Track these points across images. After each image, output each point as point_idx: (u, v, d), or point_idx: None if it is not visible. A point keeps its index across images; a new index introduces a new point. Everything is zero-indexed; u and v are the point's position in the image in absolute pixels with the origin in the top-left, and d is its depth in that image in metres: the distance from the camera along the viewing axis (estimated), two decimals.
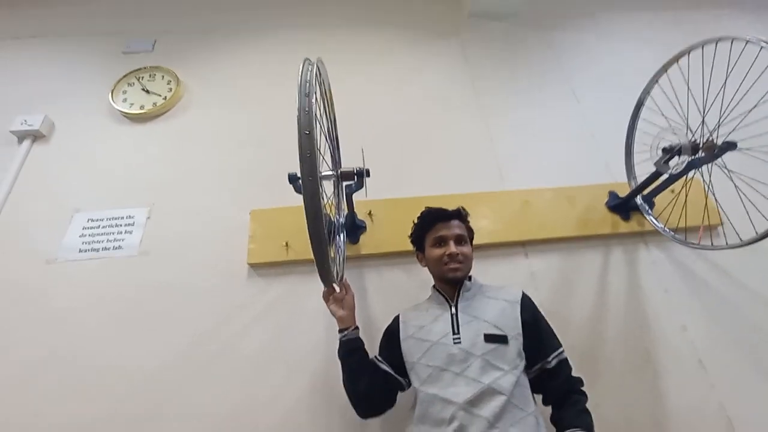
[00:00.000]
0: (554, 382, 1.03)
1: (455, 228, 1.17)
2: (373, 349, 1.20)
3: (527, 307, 1.11)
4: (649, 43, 2.22)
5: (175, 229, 1.65)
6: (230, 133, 1.91)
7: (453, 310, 1.11)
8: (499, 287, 1.18)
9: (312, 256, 0.94)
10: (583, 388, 1.05)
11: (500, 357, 1.00)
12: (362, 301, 1.46)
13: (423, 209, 1.26)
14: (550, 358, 1.05)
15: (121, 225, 1.66)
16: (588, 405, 1.04)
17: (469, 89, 2.05)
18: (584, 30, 2.33)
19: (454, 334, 1.05)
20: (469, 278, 1.19)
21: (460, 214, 1.21)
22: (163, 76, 2.07)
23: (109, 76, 2.05)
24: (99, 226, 1.66)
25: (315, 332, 1.42)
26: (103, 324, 1.46)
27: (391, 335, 1.17)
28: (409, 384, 1.11)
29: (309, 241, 0.90)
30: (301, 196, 0.88)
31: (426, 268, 1.24)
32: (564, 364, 1.06)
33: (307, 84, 0.91)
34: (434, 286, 1.22)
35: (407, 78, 2.10)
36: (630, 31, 2.34)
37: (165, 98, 1.99)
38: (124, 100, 2.00)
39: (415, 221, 1.26)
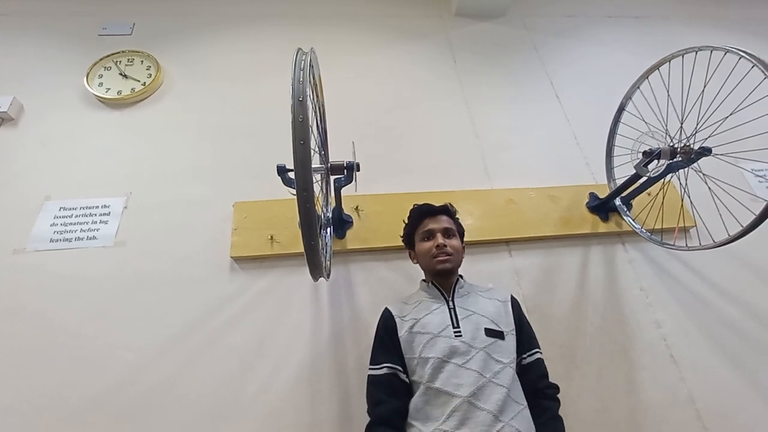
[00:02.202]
0: (527, 376, 1.06)
1: (443, 222, 1.20)
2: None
3: (516, 307, 1.16)
4: (631, 49, 2.31)
5: (153, 220, 1.59)
6: (212, 122, 1.86)
7: (450, 304, 1.11)
8: (487, 288, 1.21)
9: (297, 250, 0.92)
10: (558, 396, 1.07)
11: (499, 351, 1.02)
12: (349, 295, 1.45)
13: (411, 207, 1.26)
14: (526, 355, 1.09)
15: (95, 214, 1.60)
16: (565, 397, 1.07)
17: (457, 88, 2.07)
18: (568, 34, 2.39)
19: (454, 327, 1.06)
20: (461, 276, 1.21)
21: (448, 210, 1.24)
22: (142, 61, 2.00)
23: (84, 58, 1.96)
24: (72, 215, 1.59)
25: (300, 327, 1.40)
26: (77, 316, 1.39)
27: (392, 334, 1.11)
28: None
29: (294, 234, 0.88)
30: (288, 190, 0.86)
31: (417, 265, 1.24)
32: (539, 363, 1.09)
33: (302, 61, 0.89)
34: (426, 281, 1.22)
35: (394, 75, 2.10)
36: (613, 37, 2.42)
37: (144, 84, 1.92)
38: (100, 84, 1.91)
39: (406, 221, 1.27)
